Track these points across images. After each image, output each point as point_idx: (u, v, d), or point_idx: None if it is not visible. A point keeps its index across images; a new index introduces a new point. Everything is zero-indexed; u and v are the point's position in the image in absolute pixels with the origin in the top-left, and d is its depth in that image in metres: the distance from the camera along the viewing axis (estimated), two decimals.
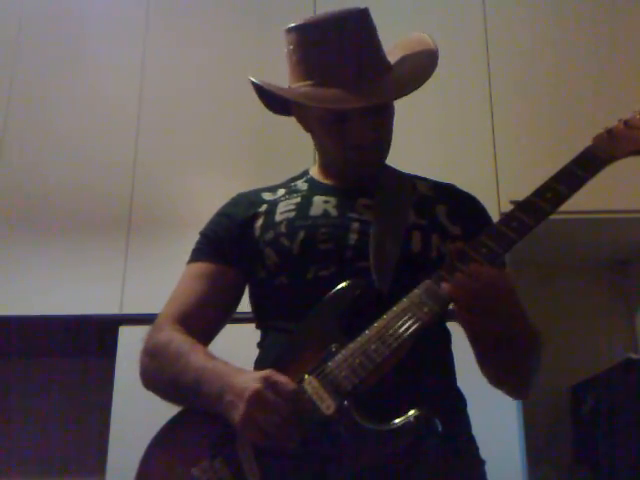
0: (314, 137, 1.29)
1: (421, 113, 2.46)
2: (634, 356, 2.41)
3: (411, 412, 0.96)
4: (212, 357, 1.11)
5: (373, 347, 1.00)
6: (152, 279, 2.34)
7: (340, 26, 1.18)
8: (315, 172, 1.33)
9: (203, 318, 1.21)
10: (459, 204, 1.28)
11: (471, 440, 1.16)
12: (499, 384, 1.17)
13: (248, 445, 1.01)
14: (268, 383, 0.98)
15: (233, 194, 1.35)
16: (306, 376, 1.02)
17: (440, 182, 1.33)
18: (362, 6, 1.22)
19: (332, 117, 1.19)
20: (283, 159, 2.45)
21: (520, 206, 1.04)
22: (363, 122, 1.18)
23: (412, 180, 1.31)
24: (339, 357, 1.02)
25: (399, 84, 1.19)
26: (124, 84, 2.65)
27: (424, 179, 1.33)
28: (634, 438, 2.24)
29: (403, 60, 1.25)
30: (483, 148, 2.53)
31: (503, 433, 2.08)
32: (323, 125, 1.22)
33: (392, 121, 1.25)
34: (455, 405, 1.17)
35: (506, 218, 1.04)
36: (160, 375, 1.15)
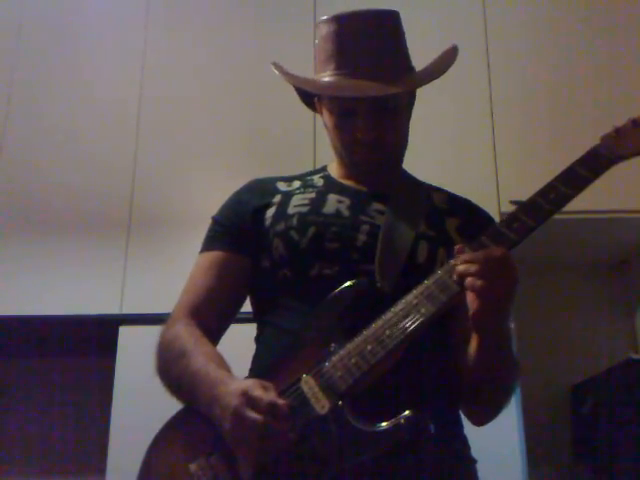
0: (328, 134, 1.29)
1: (421, 113, 2.46)
2: (634, 356, 2.41)
3: (402, 414, 0.96)
4: (209, 359, 1.11)
5: (369, 348, 1.01)
6: (152, 279, 2.34)
7: (369, 22, 1.21)
8: (333, 169, 1.33)
9: (216, 310, 1.22)
10: (473, 219, 1.27)
11: (463, 440, 1.17)
12: (472, 397, 1.15)
13: None
14: (246, 399, 0.98)
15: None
16: (304, 375, 1.03)
17: (458, 196, 1.33)
18: (396, 10, 1.25)
19: (340, 109, 1.21)
20: (283, 159, 2.45)
21: (522, 207, 1.03)
22: (367, 118, 1.19)
23: (428, 190, 1.31)
24: (336, 357, 1.02)
25: (405, 83, 1.20)
26: (124, 84, 2.65)
27: (442, 190, 1.33)
28: (634, 438, 2.24)
29: (427, 66, 1.28)
30: (483, 148, 2.53)
31: (503, 433, 2.08)
32: (332, 118, 1.23)
33: (403, 126, 1.26)
34: (449, 406, 1.17)
35: (507, 219, 1.03)
36: (167, 373, 1.16)
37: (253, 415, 0.96)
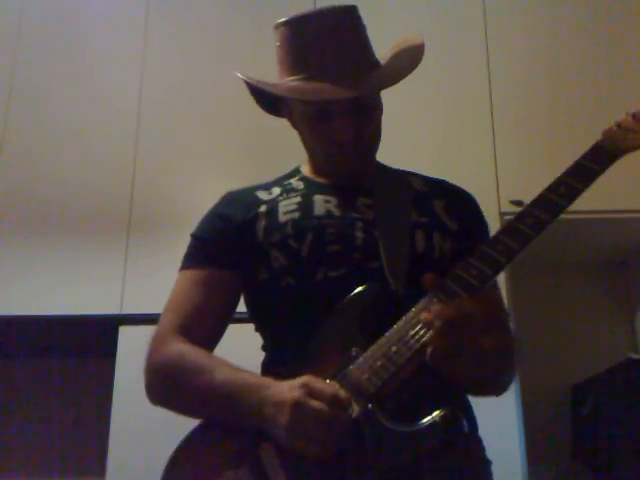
0: (301, 136, 1.29)
1: (421, 113, 2.46)
2: (634, 356, 2.41)
3: (437, 412, 0.95)
4: (237, 369, 1.09)
5: (394, 349, 1.00)
6: (152, 279, 2.34)
7: (328, 21, 1.19)
8: (307, 170, 1.32)
9: (205, 327, 1.19)
10: (455, 199, 1.28)
11: (478, 441, 1.16)
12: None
13: (272, 452, 1.00)
14: (308, 390, 0.96)
15: None
16: (327, 381, 1.01)
17: (432, 178, 1.33)
18: (354, 4, 1.23)
19: (315, 113, 1.19)
20: (283, 159, 2.44)
21: (534, 202, 1.04)
22: (344, 119, 1.17)
23: (406, 176, 1.31)
24: (360, 360, 1.01)
25: (380, 79, 1.19)
26: (124, 84, 2.66)
27: (416, 174, 1.33)
28: (634, 438, 2.24)
29: (392, 58, 1.25)
30: (483, 148, 2.53)
31: (503, 433, 2.08)
32: (307, 122, 1.22)
33: (378, 120, 1.24)
34: (467, 405, 1.17)
35: (521, 215, 1.04)
36: (178, 390, 1.11)
37: (318, 404, 0.94)
